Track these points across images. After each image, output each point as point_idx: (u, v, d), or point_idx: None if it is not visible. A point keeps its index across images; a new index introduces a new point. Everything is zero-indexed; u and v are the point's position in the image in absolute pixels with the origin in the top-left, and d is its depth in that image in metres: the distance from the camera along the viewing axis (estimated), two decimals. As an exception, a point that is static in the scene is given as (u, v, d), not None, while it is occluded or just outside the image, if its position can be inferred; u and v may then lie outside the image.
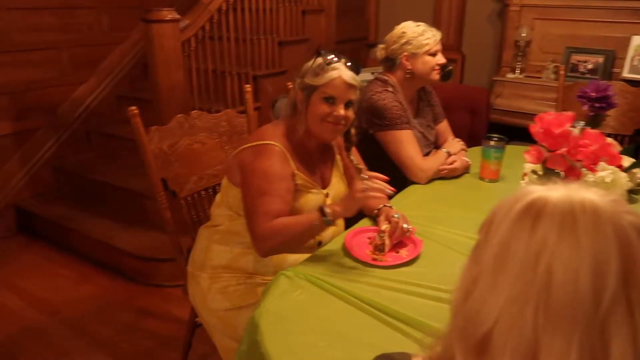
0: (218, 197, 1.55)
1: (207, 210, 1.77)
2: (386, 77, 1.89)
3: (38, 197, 3.17)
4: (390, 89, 1.85)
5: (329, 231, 1.47)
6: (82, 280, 2.58)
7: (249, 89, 1.87)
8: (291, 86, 1.52)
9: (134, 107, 1.55)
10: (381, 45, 1.92)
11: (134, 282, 2.54)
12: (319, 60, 1.38)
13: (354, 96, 1.40)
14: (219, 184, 1.82)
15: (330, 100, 1.36)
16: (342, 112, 1.37)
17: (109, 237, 2.69)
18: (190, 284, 1.56)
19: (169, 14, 2.31)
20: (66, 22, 3.19)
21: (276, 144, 1.36)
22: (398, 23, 1.90)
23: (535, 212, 0.49)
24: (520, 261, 0.48)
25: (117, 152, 3.24)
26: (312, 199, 1.44)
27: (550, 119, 1.15)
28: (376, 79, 1.92)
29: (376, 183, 1.24)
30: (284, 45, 3.24)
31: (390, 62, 1.89)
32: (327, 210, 1.26)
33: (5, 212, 3.04)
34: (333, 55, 1.38)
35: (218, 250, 1.48)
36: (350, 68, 1.38)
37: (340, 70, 1.36)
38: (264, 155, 1.35)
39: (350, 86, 1.37)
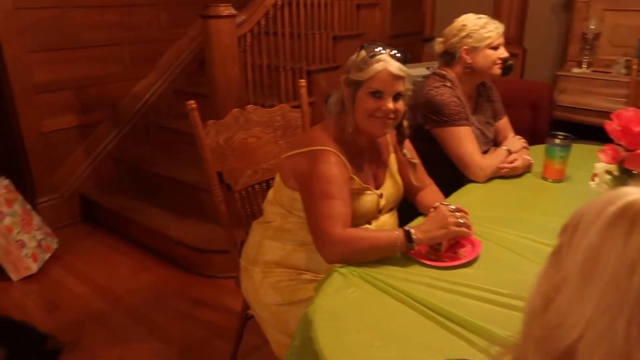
0: (270, 193, 1.55)
1: (260, 204, 1.78)
2: (444, 72, 1.83)
3: (100, 187, 3.33)
4: (448, 83, 1.79)
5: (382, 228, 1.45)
6: (141, 269, 2.68)
7: (303, 84, 1.86)
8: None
9: (192, 101, 1.58)
10: (439, 39, 1.86)
11: (189, 272, 2.61)
12: (363, 53, 1.33)
13: (402, 87, 1.33)
14: (273, 179, 1.83)
15: (377, 94, 1.31)
16: (390, 105, 1.32)
17: (165, 227, 2.78)
18: (243, 278, 1.58)
19: (226, 10, 2.34)
20: (127, 19, 3.31)
21: (331, 149, 1.33)
22: (456, 16, 1.84)
23: (631, 216, 0.44)
24: (613, 269, 0.44)
25: (174, 146, 3.34)
26: (367, 200, 1.41)
27: (629, 116, 1.07)
28: (434, 73, 1.87)
29: (464, 218, 1.26)
30: (338, 40, 3.22)
31: (448, 56, 1.83)
32: (414, 235, 1.23)
33: (70, 201, 3.20)
34: (378, 47, 1.32)
35: (270, 246, 1.48)
36: (397, 58, 1.32)
37: (386, 62, 1.30)
38: (321, 160, 1.32)
39: (397, 78, 1.31)
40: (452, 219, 1.26)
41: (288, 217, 1.45)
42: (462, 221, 1.27)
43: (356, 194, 1.38)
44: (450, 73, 1.83)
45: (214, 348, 2.05)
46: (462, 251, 1.29)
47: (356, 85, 1.34)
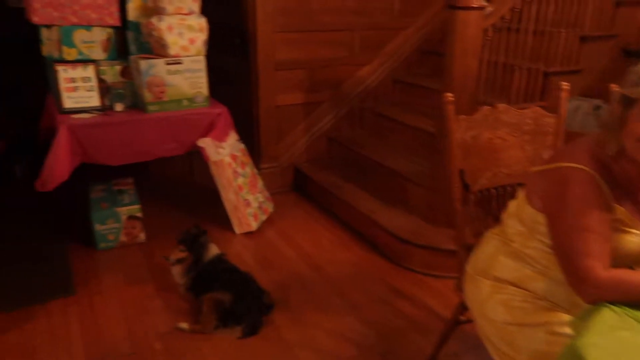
0: (512, 206, 1.43)
1: (494, 210, 1.69)
2: None
3: (313, 162, 3.56)
4: None
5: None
6: (341, 245, 2.80)
7: (565, 87, 1.69)
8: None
9: (449, 94, 1.54)
10: None
11: (388, 259, 2.63)
12: None
13: None
14: (511, 186, 1.72)
15: None
16: None
17: (370, 211, 2.84)
18: (467, 285, 1.51)
19: (476, 1, 2.24)
20: (363, 6, 3.43)
21: (584, 167, 1.16)
22: None
23: None
24: None
25: (386, 132, 3.39)
26: (631, 241, 1.18)
27: None
28: None
29: None
30: (585, 40, 2.88)
31: None
32: None
33: (286, 171, 3.50)
34: None
35: (505, 264, 1.37)
36: None
37: None
38: (572, 184, 1.16)
39: None
40: None
41: (529, 240, 1.33)
42: None
43: (616, 229, 1.17)
44: None
45: (411, 341, 2.03)
46: None
47: (629, 102, 1.12)
